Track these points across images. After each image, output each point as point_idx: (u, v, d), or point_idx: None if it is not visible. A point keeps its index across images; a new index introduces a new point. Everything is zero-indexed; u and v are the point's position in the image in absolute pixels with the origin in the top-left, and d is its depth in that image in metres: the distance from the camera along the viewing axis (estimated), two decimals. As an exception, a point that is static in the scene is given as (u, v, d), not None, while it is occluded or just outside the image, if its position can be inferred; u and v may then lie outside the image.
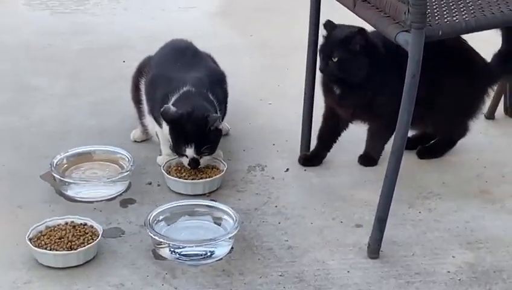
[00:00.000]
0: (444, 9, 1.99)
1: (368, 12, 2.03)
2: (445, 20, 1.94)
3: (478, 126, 2.66)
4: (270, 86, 2.97)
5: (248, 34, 3.46)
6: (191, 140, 2.28)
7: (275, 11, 3.72)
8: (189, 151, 2.29)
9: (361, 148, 2.52)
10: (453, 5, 2.02)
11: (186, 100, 2.32)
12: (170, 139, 2.34)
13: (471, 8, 1.99)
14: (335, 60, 2.24)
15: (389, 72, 2.25)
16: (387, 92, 2.28)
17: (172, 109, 2.29)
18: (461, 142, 2.56)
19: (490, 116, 2.72)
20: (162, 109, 2.29)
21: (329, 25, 2.28)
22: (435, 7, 2.00)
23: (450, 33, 1.93)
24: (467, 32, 1.95)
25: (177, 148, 2.32)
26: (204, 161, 2.32)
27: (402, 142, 1.97)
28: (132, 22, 3.60)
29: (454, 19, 1.94)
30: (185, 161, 2.32)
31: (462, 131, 2.51)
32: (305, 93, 2.47)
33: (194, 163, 2.31)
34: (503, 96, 2.72)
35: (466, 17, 1.95)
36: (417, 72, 1.90)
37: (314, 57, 2.41)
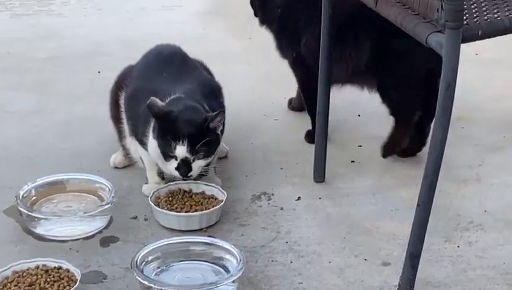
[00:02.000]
0: (483, 5, 2.02)
1: (393, 9, 2.06)
2: (485, 17, 1.96)
3: (524, 142, 2.72)
4: (275, 99, 3.01)
5: (246, 37, 3.49)
6: (184, 136, 2.29)
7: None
8: (180, 150, 2.30)
9: (382, 171, 2.58)
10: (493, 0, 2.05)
11: (178, 103, 2.35)
12: (157, 140, 2.34)
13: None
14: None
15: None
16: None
17: (160, 102, 2.32)
18: (504, 162, 2.61)
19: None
20: (148, 102, 2.30)
21: None
22: (472, 3, 2.03)
23: (491, 33, 1.95)
24: (510, 32, 1.97)
25: (165, 147, 2.32)
26: (196, 167, 2.33)
27: (437, 165, 1.99)
28: (107, 25, 3.64)
29: (496, 16, 1.97)
30: (173, 165, 2.33)
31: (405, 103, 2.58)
32: (318, 107, 2.51)
33: (185, 167, 2.32)
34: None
35: (510, 14, 1.98)
36: (453, 81, 1.92)
37: (329, 59, 2.44)
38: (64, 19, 3.71)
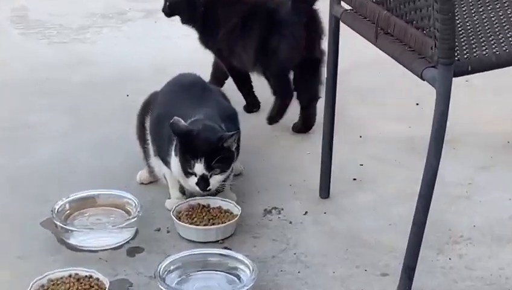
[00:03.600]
0: (472, 42, 2.01)
1: (391, 46, 2.05)
2: (475, 54, 1.95)
3: (509, 162, 2.68)
4: (286, 120, 2.97)
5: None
6: (201, 154, 2.28)
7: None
8: (198, 167, 2.29)
9: (381, 188, 2.56)
10: (482, 38, 2.03)
11: (198, 123, 2.34)
12: (178, 158, 2.33)
13: (502, 41, 2.01)
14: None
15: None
16: None
17: (182, 122, 2.31)
18: (491, 180, 2.60)
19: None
20: (171, 121, 2.30)
21: None
22: (462, 40, 2.01)
23: (480, 68, 1.94)
24: (498, 67, 1.95)
25: (185, 164, 2.31)
26: (214, 182, 2.32)
27: (431, 187, 1.97)
28: (135, 52, 3.61)
29: (484, 53, 1.96)
30: (193, 181, 2.32)
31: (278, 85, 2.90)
32: (323, 133, 2.48)
33: (204, 182, 2.31)
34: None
35: (497, 51, 1.96)
36: (446, 110, 1.91)
37: (334, 87, 2.41)
38: (97, 47, 3.69)
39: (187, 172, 2.32)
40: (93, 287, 2.07)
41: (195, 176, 2.31)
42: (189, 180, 2.33)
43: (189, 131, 2.31)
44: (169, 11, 3.04)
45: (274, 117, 2.91)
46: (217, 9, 2.95)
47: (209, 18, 2.96)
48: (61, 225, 2.32)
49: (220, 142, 2.29)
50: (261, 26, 2.82)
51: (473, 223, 2.38)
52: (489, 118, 2.97)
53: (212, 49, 3.03)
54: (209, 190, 2.33)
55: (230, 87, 3.02)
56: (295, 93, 2.89)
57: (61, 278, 2.10)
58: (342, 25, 2.30)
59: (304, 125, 2.91)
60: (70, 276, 2.10)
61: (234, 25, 2.88)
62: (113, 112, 3.07)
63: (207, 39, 3.02)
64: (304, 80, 2.88)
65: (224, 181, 2.37)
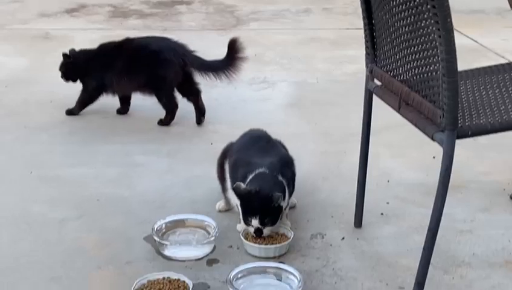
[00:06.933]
0: (472, 112, 2.07)
1: (410, 114, 2.12)
2: (474, 122, 2.01)
3: (504, 205, 2.70)
4: (330, 167, 3.06)
5: (313, 123, 3.57)
6: (256, 213, 2.36)
7: (334, 104, 3.83)
8: (255, 222, 2.37)
9: (402, 222, 2.59)
10: (480, 109, 2.10)
11: (259, 180, 2.41)
12: (240, 212, 2.41)
13: (495, 111, 2.07)
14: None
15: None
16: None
17: (243, 185, 2.38)
18: (490, 219, 2.61)
19: (514, 197, 2.75)
20: (234, 185, 2.39)
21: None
22: (465, 111, 2.08)
23: (478, 133, 1.99)
24: (492, 132, 2.01)
25: (245, 218, 2.40)
26: (267, 231, 2.39)
27: (437, 222, 2.02)
28: (218, 112, 3.74)
29: (481, 121, 2.02)
30: (251, 229, 2.40)
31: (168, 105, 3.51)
32: (358, 174, 2.54)
33: (258, 232, 2.38)
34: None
35: (491, 120, 2.02)
36: (450, 165, 1.97)
37: (367, 143, 2.48)
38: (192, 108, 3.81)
39: (246, 223, 2.40)
40: (180, 287, 2.15)
41: (253, 226, 2.39)
42: (248, 228, 2.41)
43: (247, 194, 2.36)
44: (64, 78, 3.65)
45: (166, 123, 3.50)
46: (96, 63, 3.55)
47: (89, 73, 3.57)
48: (158, 240, 2.41)
49: (271, 203, 2.34)
50: (149, 62, 3.42)
51: (473, 252, 2.41)
52: (489, 170, 3.00)
53: (96, 86, 3.57)
54: (263, 237, 2.40)
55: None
56: (185, 99, 3.53)
57: (157, 279, 2.19)
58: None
59: (199, 114, 3.53)
60: (164, 278, 2.19)
61: (121, 66, 3.46)
62: (200, 156, 3.17)
63: (93, 85, 3.58)
64: (186, 90, 3.53)
65: (280, 219, 2.41)
